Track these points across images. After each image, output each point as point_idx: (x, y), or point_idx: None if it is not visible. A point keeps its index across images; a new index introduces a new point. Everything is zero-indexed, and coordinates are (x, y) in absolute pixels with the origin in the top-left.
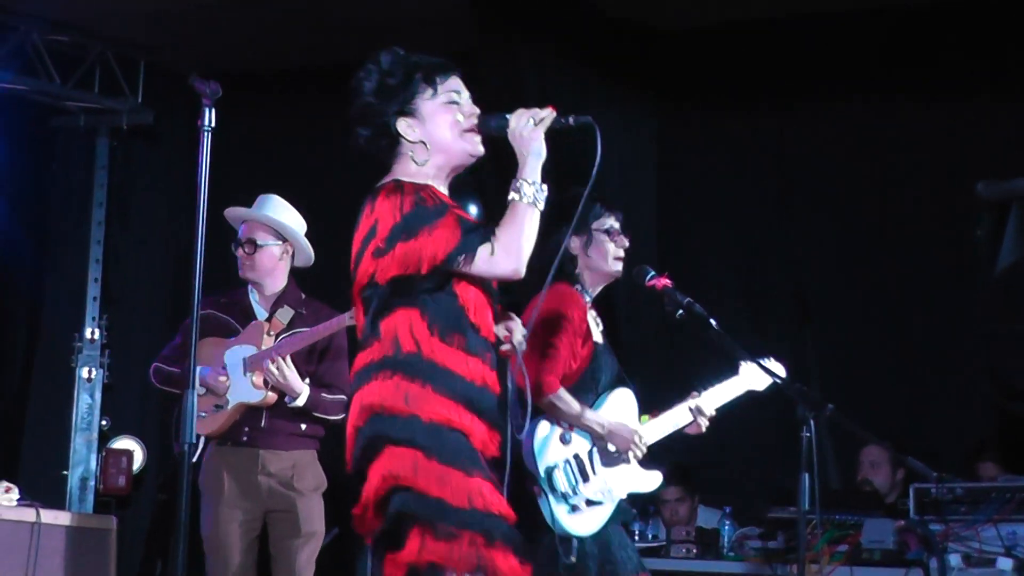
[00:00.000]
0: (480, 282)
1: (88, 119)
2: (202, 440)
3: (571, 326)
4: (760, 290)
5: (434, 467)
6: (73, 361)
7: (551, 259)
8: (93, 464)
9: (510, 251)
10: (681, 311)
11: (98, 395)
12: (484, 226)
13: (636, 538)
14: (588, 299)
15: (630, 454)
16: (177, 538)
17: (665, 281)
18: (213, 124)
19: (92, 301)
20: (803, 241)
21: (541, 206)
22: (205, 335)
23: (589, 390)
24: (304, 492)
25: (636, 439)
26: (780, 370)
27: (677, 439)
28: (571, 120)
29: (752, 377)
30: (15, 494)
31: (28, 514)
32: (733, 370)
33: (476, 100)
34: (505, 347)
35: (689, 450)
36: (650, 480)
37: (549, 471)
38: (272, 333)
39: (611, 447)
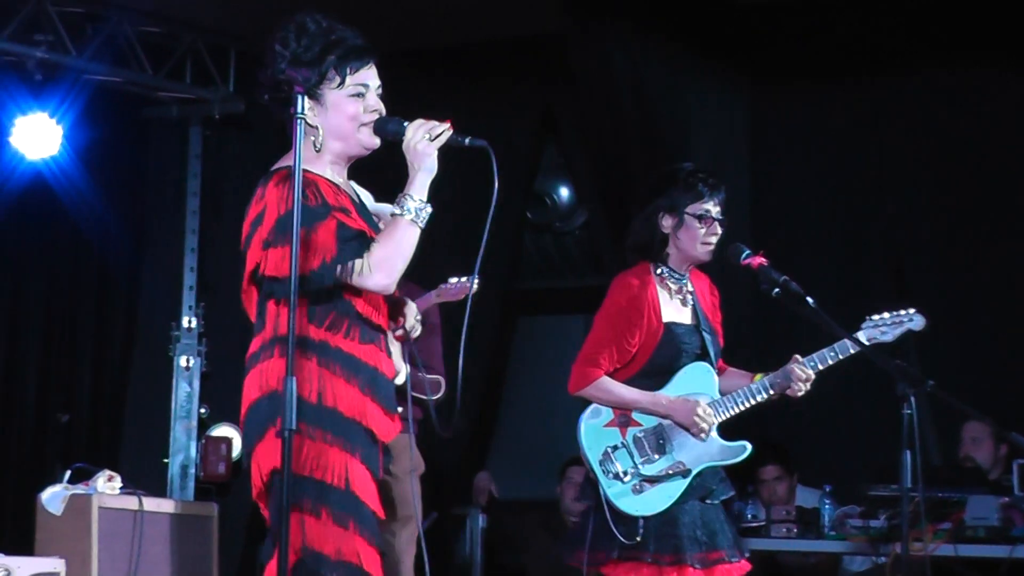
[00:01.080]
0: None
1: (181, 109)
2: None
3: (617, 315)
4: (857, 265)
5: (317, 447)
6: (171, 350)
7: (645, 236)
8: (193, 452)
9: (383, 267)
10: (777, 289)
11: (196, 383)
12: (362, 235)
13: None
14: (671, 276)
15: (696, 431)
16: (279, 523)
17: (760, 260)
18: (305, 111)
19: (188, 290)
20: (900, 215)
21: (423, 224)
22: None
23: (663, 371)
24: (400, 476)
25: (700, 412)
26: (880, 328)
27: (775, 416)
28: (466, 141)
29: (874, 331)
30: (118, 482)
31: (131, 502)
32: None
33: (569, 82)
34: (398, 332)
35: (787, 429)
36: (733, 451)
37: (602, 453)
38: None
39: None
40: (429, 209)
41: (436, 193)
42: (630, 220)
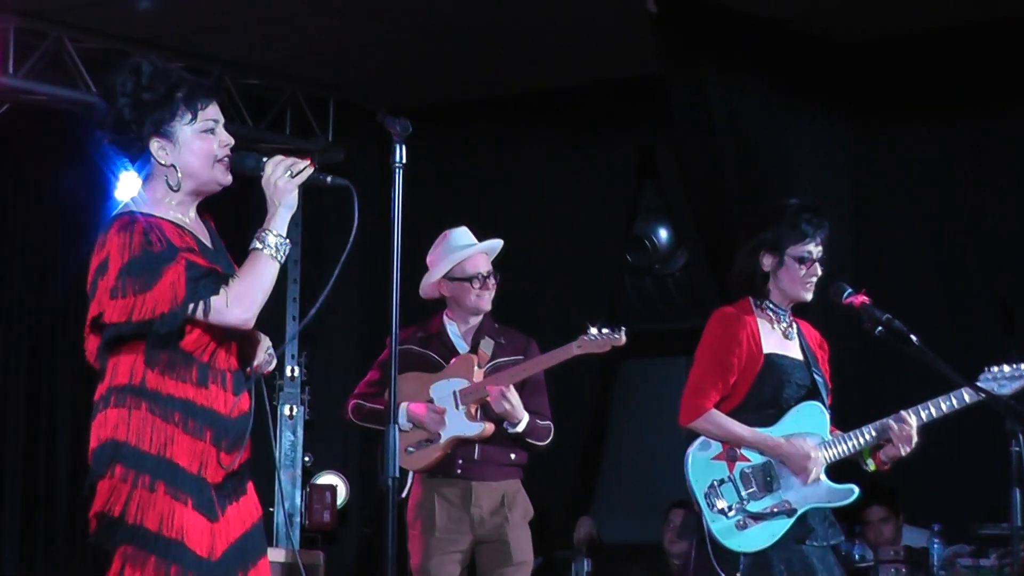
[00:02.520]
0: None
1: None
2: (410, 475)
3: (720, 346)
4: (962, 301)
5: (143, 495)
6: (275, 399)
7: (746, 272)
8: (298, 500)
9: (242, 302)
10: (880, 328)
11: (300, 432)
12: (214, 273)
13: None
14: (773, 312)
15: (805, 478)
16: (385, 572)
17: (863, 298)
18: (404, 160)
19: (290, 339)
20: (1005, 251)
21: (282, 259)
22: (405, 369)
23: (769, 406)
24: (514, 522)
25: (812, 457)
26: (999, 380)
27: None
28: (328, 179)
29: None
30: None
31: None
32: (948, 389)
33: (667, 124)
34: (248, 369)
35: (893, 468)
36: (841, 494)
37: (707, 487)
38: (481, 366)
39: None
40: (289, 244)
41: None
42: (730, 260)
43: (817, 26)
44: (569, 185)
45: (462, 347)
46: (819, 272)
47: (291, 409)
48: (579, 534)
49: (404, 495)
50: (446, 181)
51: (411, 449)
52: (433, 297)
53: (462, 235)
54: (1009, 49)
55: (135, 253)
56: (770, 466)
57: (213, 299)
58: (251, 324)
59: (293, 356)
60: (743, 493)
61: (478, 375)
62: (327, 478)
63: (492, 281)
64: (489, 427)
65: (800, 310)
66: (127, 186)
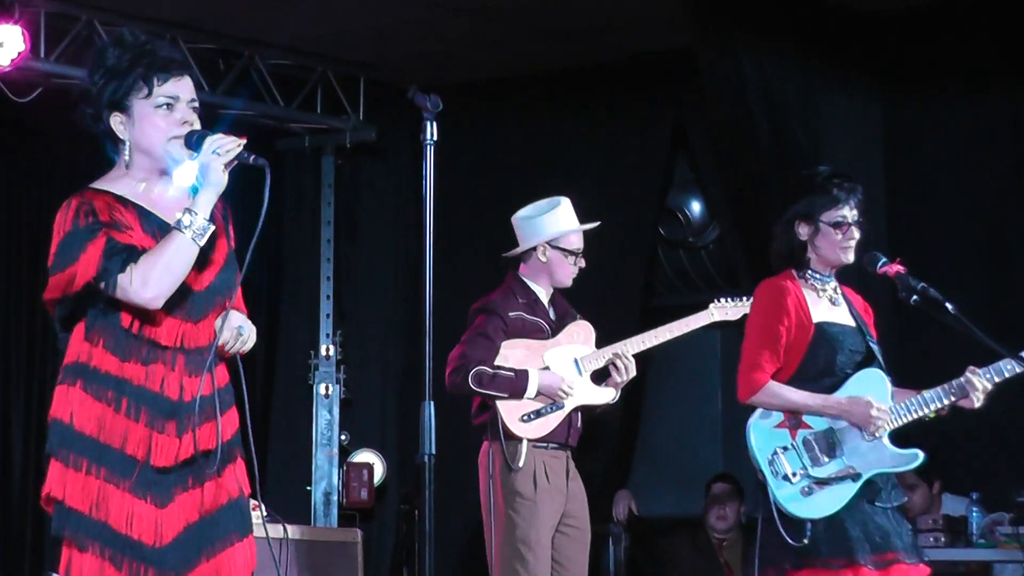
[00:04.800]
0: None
1: (313, 139)
2: (524, 444)
3: (768, 318)
4: (997, 271)
5: (80, 478)
6: (310, 378)
7: (785, 245)
8: (335, 478)
9: (148, 281)
10: (916, 297)
11: (336, 410)
12: (129, 249)
13: None
14: (817, 280)
15: (872, 429)
16: (424, 548)
17: (898, 267)
18: (435, 137)
19: (326, 318)
20: None
21: (202, 241)
22: (514, 336)
23: (825, 374)
24: (573, 492)
25: (875, 413)
26: None
27: (918, 424)
28: (251, 159)
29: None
30: (262, 511)
31: (276, 530)
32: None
33: (699, 97)
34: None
35: (929, 435)
36: (905, 459)
37: (770, 455)
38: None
39: (845, 426)
40: (212, 228)
41: None
42: (763, 232)
43: None
44: (602, 159)
45: (551, 314)
46: (856, 235)
47: (327, 388)
48: (617, 508)
49: (520, 465)
50: (478, 158)
51: (527, 418)
52: (516, 255)
53: (570, 207)
54: None
55: (67, 228)
56: (832, 432)
57: (119, 276)
58: (157, 304)
59: (328, 335)
60: (806, 459)
61: (591, 341)
62: (364, 456)
63: (583, 260)
64: (616, 394)
65: (841, 276)
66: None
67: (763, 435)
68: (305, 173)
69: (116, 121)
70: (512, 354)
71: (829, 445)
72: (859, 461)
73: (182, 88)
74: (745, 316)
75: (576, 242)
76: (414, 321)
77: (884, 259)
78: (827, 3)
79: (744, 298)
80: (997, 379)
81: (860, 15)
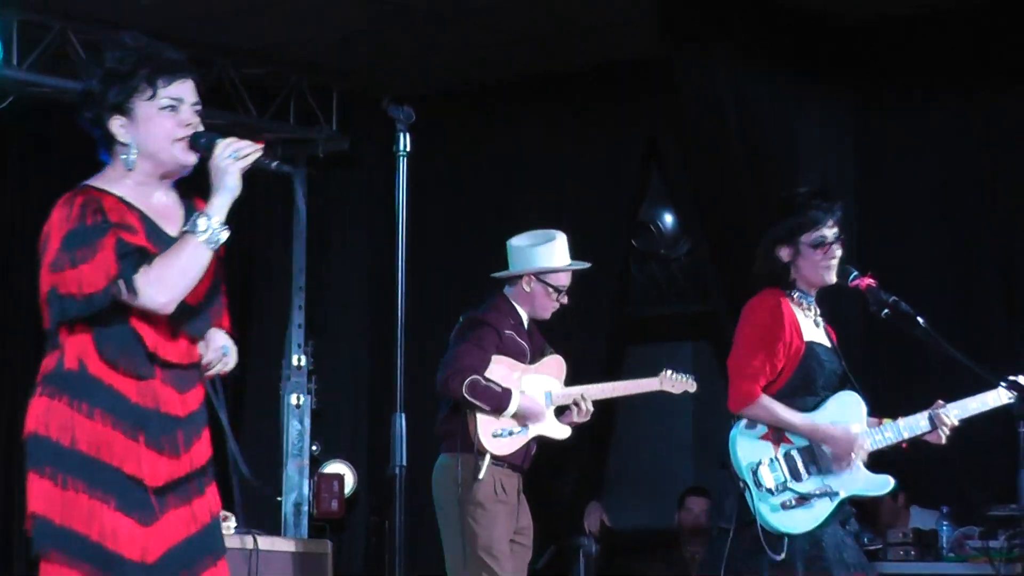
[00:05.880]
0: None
1: (285, 149)
2: (486, 458)
3: (763, 331)
4: (968, 284)
5: (67, 495)
6: (281, 388)
7: (768, 268)
8: (306, 489)
9: (159, 284)
10: (887, 310)
11: (307, 421)
12: (141, 251)
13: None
14: (803, 299)
15: (845, 465)
16: (395, 559)
17: (869, 281)
18: (408, 148)
19: (297, 328)
20: (1011, 232)
21: (215, 246)
22: (500, 353)
23: (806, 392)
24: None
25: (855, 449)
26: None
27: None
28: (273, 164)
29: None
30: (232, 522)
31: (246, 542)
32: (986, 384)
33: (673, 108)
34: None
35: (901, 450)
36: (877, 484)
37: (753, 466)
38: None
39: (827, 451)
40: (226, 233)
41: None
42: (736, 245)
43: (821, 5)
44: (575, 170)
45: (530, 341)
46: (838, 253)
47: (298, 398)
48: (589, 520)
49: (481, 477)
50: (451, 168)
51: (498, 434)
52: (504, 278)
53: (564, 244)
54: (1016, 26)
55: (73, 226)
56: (813, 449)
57: (134, 277)
58: (169, 309)
59: (300, 345)
60: (788, 473)
61: (561, 378)
62: (334, 467)
63: (566, 298)
64: (570, 432)
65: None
66: None
67: (748, 446)
68: (277, 183)
69: (117, 124)
70: (496, 369)
71: (810, 462)
72: (835, 481)
73: (186, 90)
74: (686, 392)
75: (563, 279)
76: (385, 332)
77: (855, 272)
78: (801, 13)
79: (688, 376)
80: (964, 416)
81: (834, 26)
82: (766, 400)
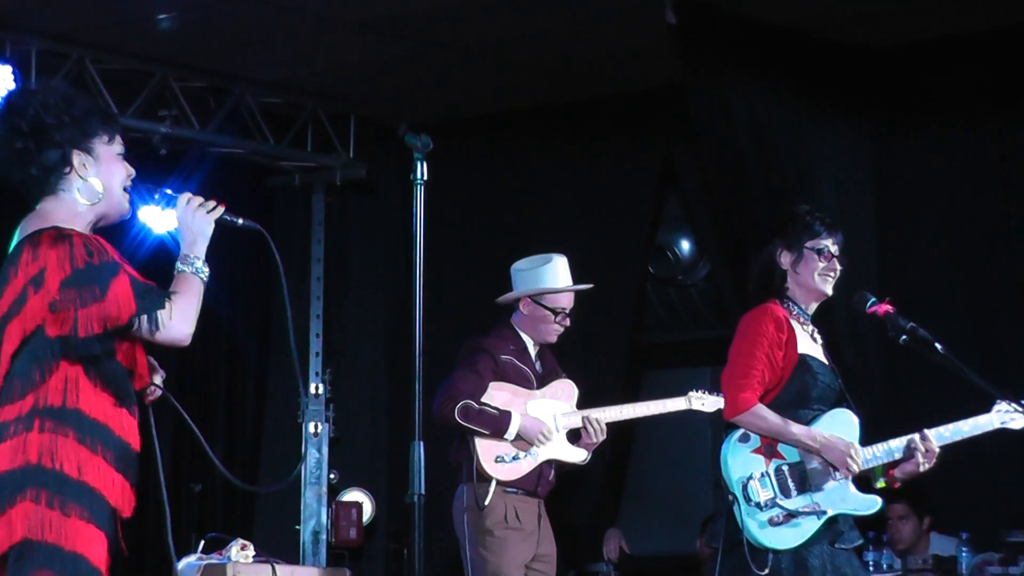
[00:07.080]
0: (130, 336)
1: (303, 177)
2: (492, 484)
3: (762, 340)
4: (986, 309)
5: (65, 521)
6: (299, 417)
7: (765, 273)
8: (324, 517)
9: (186, 318)
10: (905, 336)
11: (325, 449)
12: (156, 288)
13: (871, 568)
14: (799, 313)
15: (844, 472)
16: None
17: (887, 307)
18: (425, 176)
19: (315, 356)
20: None
21: (206, 280)
22: (504, 379)
23: (800, 406)
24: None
25: (852, 453)
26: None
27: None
28: (239, 221)
29: (1005, 416)
30: (251, 551)
31: (264, 571)
32: (983, 408)
33: (688, 133)
34: (149, 396)
35: (921, 474)
36: (865, 503)
37: (743, 480)
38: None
39: (816, 463)
40: (208, 270)
41: None
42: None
43: (837, 32)
44: (591, 196)
45: (537, 367)
46: (838, 268)
47: (316, 426)
48: (608, 547)
49: (487, 503)
50: (468, 196)
51: (500, 459)
52: (506, 303)
53: (563, 266)
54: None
55: (78, 266)
56: (803, 465)
57: (160, 313)
58: (188, 341)
59: (317, 373)
60: (777, 489)
61: (572, 401)
62: (353, 494)
63: (568, 320)
64: (588, 455)
65: (827, 316)
66: (149, 208)
67: (739, 459)
68: (295, 211)
69: (78, 161)
70: (498, 395)
71: (799, 478)
72: (824, 499)
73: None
74: (719, 410)
75: (561, 301)
76: (403, 359)
77: (873, 299)
78: (816, 39)
79: (718, 394)
80: (956, 439)
81: (849, 51)
82: (761, 409)
